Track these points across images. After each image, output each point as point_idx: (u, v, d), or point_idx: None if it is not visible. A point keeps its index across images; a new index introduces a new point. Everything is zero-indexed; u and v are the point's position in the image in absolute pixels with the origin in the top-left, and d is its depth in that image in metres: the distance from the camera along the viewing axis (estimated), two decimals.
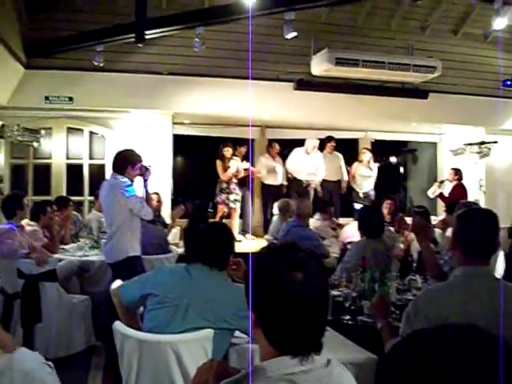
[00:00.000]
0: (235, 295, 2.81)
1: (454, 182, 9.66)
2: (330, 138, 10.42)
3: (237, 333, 2.88)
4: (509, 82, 9.05)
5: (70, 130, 9.16)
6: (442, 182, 9.80)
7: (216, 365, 1.61)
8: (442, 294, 2.50)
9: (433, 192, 9.87)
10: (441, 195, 9.66)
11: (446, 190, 9.82)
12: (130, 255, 4.82)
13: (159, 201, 7.56)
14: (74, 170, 9.19)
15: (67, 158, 9.16)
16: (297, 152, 10.19)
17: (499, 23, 7.14)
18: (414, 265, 5.04)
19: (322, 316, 1.47)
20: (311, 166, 10.01)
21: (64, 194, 8.39)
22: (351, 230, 5.80)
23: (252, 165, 9.73)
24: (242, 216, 9.88)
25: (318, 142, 10.14)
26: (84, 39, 7.89)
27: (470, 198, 9.70)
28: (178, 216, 7.28)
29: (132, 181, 4.90)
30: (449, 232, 5.71)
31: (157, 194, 7.30)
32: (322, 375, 1.40)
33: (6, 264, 4.83)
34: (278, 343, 1.42)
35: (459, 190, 9.59)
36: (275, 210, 8.30)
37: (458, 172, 9.77)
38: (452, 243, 2.64)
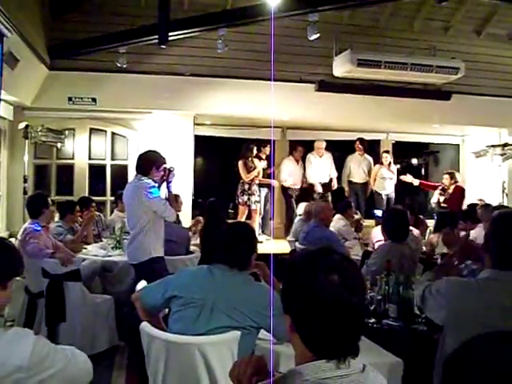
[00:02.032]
0: (259, 294, 2.85)
1: (452, 186, 9.57)
2: (358, 140, 10.41)
3: (262, 334, 2.89)
4: None
5: (92, 130, 9.25)
6: (443, 189, 9.65)
7: (256, 359, 1.60)
8: (461, 288, 2.52)
9: (435, 202, 9.76)
10: (443, 201, 9.57)
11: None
12: (153, 256, 4.84)
13: (179, 202, 7.59)
14: (96, 171, 9.28)
15: (90, 159, 9.25)
16: (308, 158, 10.27)
17: None
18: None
19: (358, 319, 1.46)
20: (320, 170, 10.05)
21: (86, 195, 8.47)
22: (379, 232, 5.75)
23: (272, 166, 9.76)
24: (262, 217, 9.90)
25: (324, 143, 10.19)
26: (107, 41, 7.95)
27: (493, 200, 9.62)
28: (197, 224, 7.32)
29: (156, 182, 4.92)
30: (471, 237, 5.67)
31: (177, 195, 7.31)
32: (358, 380, 1.39)
33: (31, 263, 4.87)
34: (315, 347, 1.42)
35: (459, 192, 9.54)
36: (298, 212, 8.29)
37: (453, 175, 9.69)
38: (484, 247, 2.61)
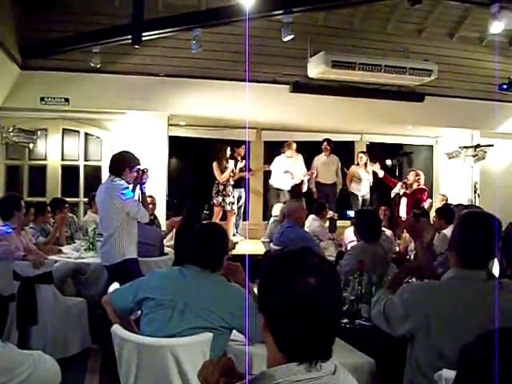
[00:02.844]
0: (231, 294, 2.86)
1: (415, 184, 9.77)
2: (325, 141, 10.42)
3: (234, 336, 2.88)
4: (505, 86, 9.09)
5: (65, 131, 9.16)
6: (405, 183, 9.87)
7: (224, 361, 1.59)
8: (428, 292, 2.51)
9: (396, 192, 10.05)
10: (403, 195, 9.83)
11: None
12: (126, 258, 4.80)
13: (153, 203, 7.56)
14: (69, 172, 9.19)
15: (62, 160, 9.15)
16: (278, 159, 10.21)
17: (496, 27, 7.18)
18: None
19: (333, 323, 1.45)
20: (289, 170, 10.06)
21: (59, 196, 8.37)
22: (352, 233, 5.80)
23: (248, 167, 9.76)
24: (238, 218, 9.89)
25: (295, 144, 10.13)
26: (80, 40, 7.88)
27: (464, 200, 9.81)
28: (173, 225, 7.26)
29: (129, 183, 4.88)
30: (442, 235, 5.75)
31: (151, 196, 7.27)
32: (330, 382, 1.39)
33: (2, 266, 4.79)
34: (287, 349, 1.40)
35: (420, 191, 9.78)
36: (273, 213, 8.30)
37: (418, 174, 9.94)
38: (450, 243, 2.63)
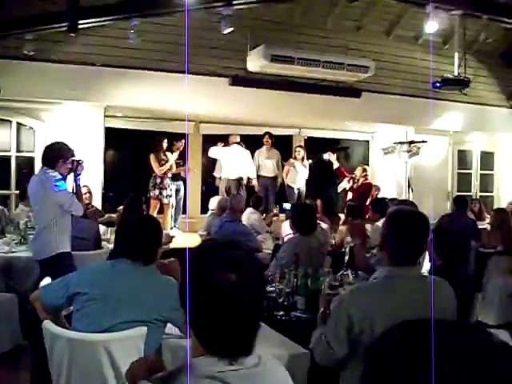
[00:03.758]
0: (164, 287, 2.81)
1: (362, 179, 10.03)
2: (266, 134, 10.48)
3: (170, 329, 2.86)
4: (438, 84, 9.37)
5: None
6: (352, 178, 10.15)
7: (150, 360, 1.57)
8: (365, 295, 2.52)
9: (343, 188, 10.32)
10: (349, 190, 10.11)
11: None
12: (59, 251, 4.68)
13: (89, 192, 7.43)
14: (0, 163, 8.85)
15: None
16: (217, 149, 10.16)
17: (431, 27, 7.39)
18: (347, 258, 5.16)
19: (254, 319, 1.43)
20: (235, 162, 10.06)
21: None
22: (288, 226, 5.87)
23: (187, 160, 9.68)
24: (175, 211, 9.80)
25: (238, 137, 10.13)
26: (13, 26, 7.59)
27: (396, 194, 10.11)
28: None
29: (63, 175, 4.75)
30: (375, 227, 5.89)
31: (86, 186, 7.12)
32: (253, 373, 1.39)
33: None
34: (207, 344, 1.39)
35: (367, 186, 10.05)
36: (210, 206, 8.28)
37: (365, 170, 10.25)
38: (380, 244, 2.67)
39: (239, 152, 9.92)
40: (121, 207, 7.22)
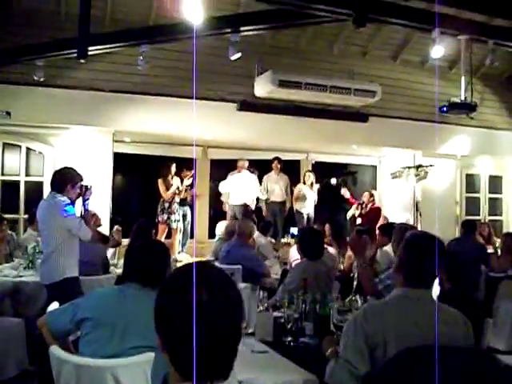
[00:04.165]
0: None
1: (370, 204, 10.02)
2: (275, 159, 10.51)
3: None
4: (445, 108, 9.38)
5: (6, 145, 8.91)
6: (360, 204, 10.12)
7: None
8: (378, 312, 2.54)
9: (352, 214, 10.23)
10: (358, 216, 10.04)
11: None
12: (67, 276, 4.68)
13: (96, 220, 7.44)
14: (9, 187, 8.93)
15: (2, 175, 8.91)
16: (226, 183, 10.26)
17: (436, 52, 7.43)
18: (355, 283, 5.12)
19: (229, 341, 1.35)
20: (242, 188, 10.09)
21: None
22: (296, 251, 5.85)
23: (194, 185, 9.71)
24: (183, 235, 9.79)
25: (247, 162, 10.21)
26: (24, 53, 7.70)
27: (406, 219, 10.06)
28: (118, 236, 7.15)
29: (71, 200, 4.77)
30: (383, 252, 5.86)
31: (94, 215, 7.14)
32: None
33: None
34: (180, 368, 1.33)
35: (375, 211, 10.02)
36: (218, 232, 8.26)
37: (372, 195, 10.24)
38: (397, 266, 2.69)
39: (246, 178, 9.96)
40: (117, 226, 7.25)
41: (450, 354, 0.85)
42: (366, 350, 2.41)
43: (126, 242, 7.66)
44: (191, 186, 9.69)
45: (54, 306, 3.43)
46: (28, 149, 9.01)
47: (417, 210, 10.68)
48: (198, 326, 1.26)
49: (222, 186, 10.07)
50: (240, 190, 9.88)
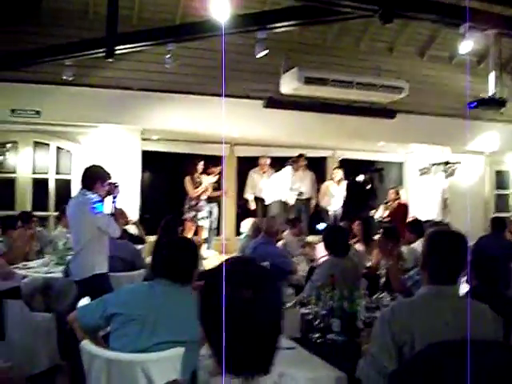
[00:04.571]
0: None
1: (396, 202, 9.89)
2: (300, 156, 10.47)
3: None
4: (474, 104, 9.25)
5: (36, 144, 9.06)
6: (386, 203, 9.98)
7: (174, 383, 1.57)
8: (405, 310, 2.52)
9: (380, 215, 10.04)
10: (386, 216, 9.88)
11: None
12: (96, 272, 4.74)
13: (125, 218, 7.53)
14: (39, 185, 9.08)
15: (33, 173, 9.05)
16: (252, 173, 10.35)
17: (465, 47, 7.32)
18: (383, 280, 5.09)
19: (270, 337, 1.39)
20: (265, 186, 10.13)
21: (29, 209, 8.25)
22: (323, 248, 5.84)
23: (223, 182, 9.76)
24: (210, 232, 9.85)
25: (269, 160, 10.27)
26: (53, 53, 7.81)
27: (435, 216, 9.94)
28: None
29: (100, 197, 4.83)
30: (411, 249, 5.82)
31: (122, 212, 7.23)
32: None
33: None
34: (224, 362, 1.36)
35: (402, 208, 9.90)
36: (243, 229, 8.27)
37: (397, 193, 10.10)
38: (422, 264, 2.68)
39: (282, 175, 10.02)
40: (130, 218, 7.30)
41: (479, 348, 0.85)
42: (393, 348, 2.41)
43: (152, 238, 7.75)
44: (218, 183, 9.73)
45: (84, 301, 3.48)
46: (57, 147, 9.14)
47: (445, 207, 10.56)
48: (240, 322, 1.33)
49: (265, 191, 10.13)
50: (277, 187, 9.90)
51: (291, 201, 10.03)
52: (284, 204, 9.96)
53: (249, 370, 1.36)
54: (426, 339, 2.32)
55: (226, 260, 1.48)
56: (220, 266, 1.47)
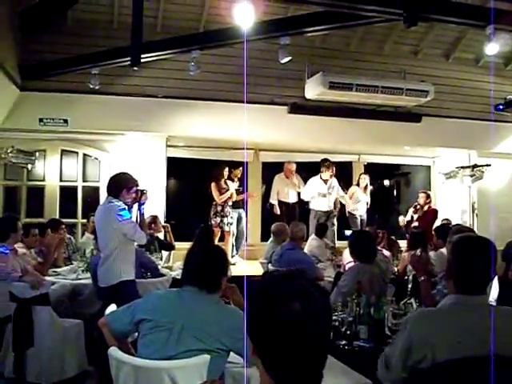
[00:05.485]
0: (228, 316, 2.85)
1: (427, 206, 9.76)
2: (324, 161, 10.40)
3: (232, 357, 2.86)
4: (501, 106, 9.14)
5: (64, 152, 9.18)
6: (415, 207, 9.83)
7: (211, 382, 1.58)
8: (427, 319, 2.44)
9: (409, 219, 9.88)
10: (416, 219, 9.70)
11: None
12: (123, 279, 4.78)
13: (157, 226, 7.66)
14: (67, 193, 9.18)
15: (61, 181, 9.16)
16: (277, 178, 10.35)
17: (491, 48, 7.22)
18: (410, 286, 5.05)
19: (321, 348, 1.40)
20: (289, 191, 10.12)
21: (57, 217, 8.36)
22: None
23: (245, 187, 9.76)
24: (236, 238, 9.86)
25: (295, 165, 10.26)
26: (80, 62, 7.94)
27: (460, 221, 9.82)
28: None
29: (127, 204, 4.87)
30: (438, 254, 5.76)
31: (155, 218, 7.42)
32: None
33: None
34: (275, 374, 1.38)
35: (432, 212, 9.77)
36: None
37: (428, 195, 9.96)
38: (447, 272, 2.59)
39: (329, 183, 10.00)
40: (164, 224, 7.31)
41: (502, 365, 0.81)
42: (407, 354, 2.35)
43: (179, 245, 7.81)
44: (241, 187, 9.74)
45: (112, 307, 3.51)
46: (85, 155, 9.26)
47: (473, 211, 10.42)
48: (291, 335, 1.34)
49: (305, 193, 10.05)
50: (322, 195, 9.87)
51: (324, 207, 9.94)
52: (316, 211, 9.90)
53: (300, 381, 1.38)
54: (451, 351, 2.25)
55: (274, 274, 1.49)
56: (266, 279, 1.50)
